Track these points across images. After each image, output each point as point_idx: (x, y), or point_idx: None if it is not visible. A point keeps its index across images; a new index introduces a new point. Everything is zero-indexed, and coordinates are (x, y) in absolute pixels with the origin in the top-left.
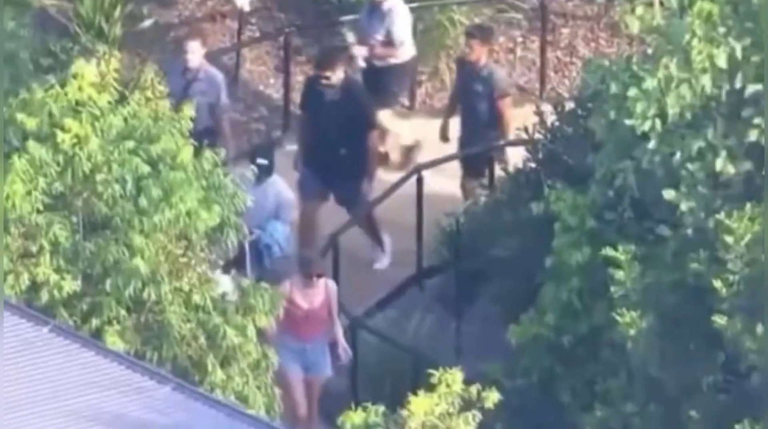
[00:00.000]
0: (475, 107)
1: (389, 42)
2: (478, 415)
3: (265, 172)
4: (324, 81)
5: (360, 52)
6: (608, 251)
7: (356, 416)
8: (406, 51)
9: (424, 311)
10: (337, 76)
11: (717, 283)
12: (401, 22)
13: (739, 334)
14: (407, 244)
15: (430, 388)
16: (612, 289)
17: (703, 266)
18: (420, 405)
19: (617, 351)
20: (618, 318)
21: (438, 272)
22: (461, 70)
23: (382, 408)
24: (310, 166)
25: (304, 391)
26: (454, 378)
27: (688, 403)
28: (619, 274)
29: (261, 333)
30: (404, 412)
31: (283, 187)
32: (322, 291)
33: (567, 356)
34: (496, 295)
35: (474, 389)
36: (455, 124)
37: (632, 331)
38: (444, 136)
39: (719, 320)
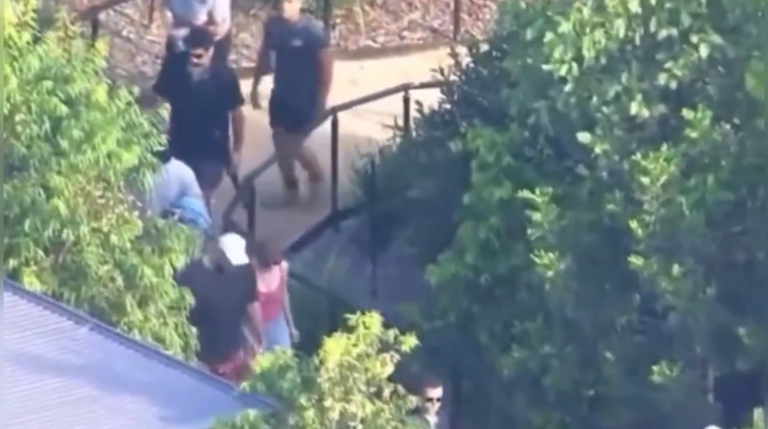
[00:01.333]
0: (291, 63)
1: (211, 21)
2: (396, 356)
3: (162, 158)
4: (195, 60)
5: (180, 33)
6: (525, 193)
7: (265, 360)
8: (226, 27)
9: (340, 253)
10: (207, 56)
11: (633, 224)
12: (223, 1)
13: (655, 274)
14: (322, 186)
15: (348, 329)
16: (529, 231)
17: (619, 207)
18: (337, 346)
19: (535, 292)
20: (535, 259)
21: (353, 214)
22: (274, 29)
23: (290, 351)
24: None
25: None
26: (372, 320)
27: (605, 344)
28: (537, 216)
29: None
30: (321, 353)
31: (180, 166)
32: (278, 273)
33: (485, 297)
34: (412, 237)
35: (392, 333)
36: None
37: (549, 273)
38: (255, 103)
39: (635, 261)
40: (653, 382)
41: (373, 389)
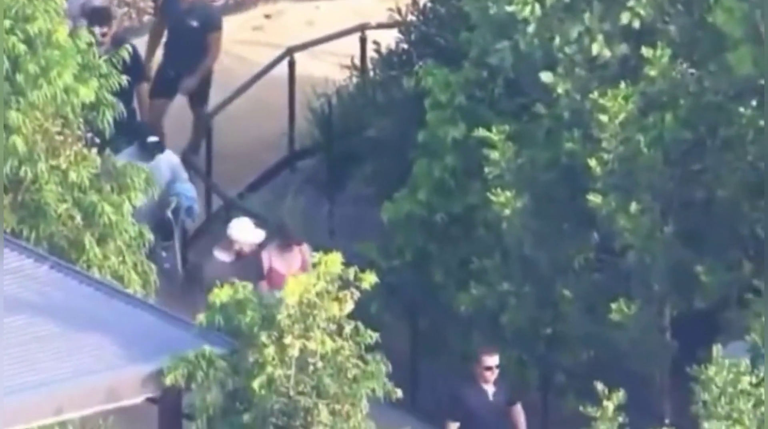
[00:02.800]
0: (184, 43)
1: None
2: (356, 294)
3: (157, 149)
4: (100, 39)
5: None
6: (482, 132)
7: (223, 293)
8: None
9: (297, 193)
10: (110, 34)
11: (591, 162)
12: None
13: (613, 212)
14: (279, 126)
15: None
16: (486, 169)
17: (578, 145)
18: (297, 284)
19: (492, 230)
20: (492, 198)
21: (310, 154)
22: (171, 8)
23: (250, 285)
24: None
25: None
26: (332, 259)
27: (562, 282)
28: (494, 154)
29: None
30: (282, 291)
31: (170, 153)
32: (299, 255)
33: (441, 235)
34: (369, 176)
35: (352, 271)
36: None
37: (506, 211)
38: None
39: (593, 199)
40: (611, 319)
41: (333, 327)
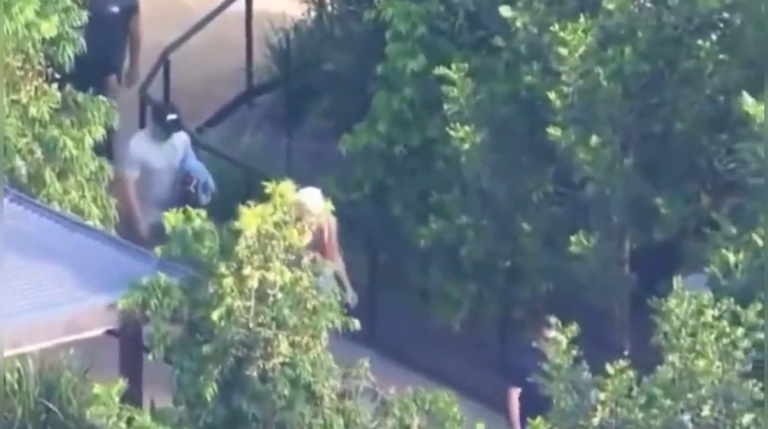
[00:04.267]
0: (105, 27)
1: None
2: (313, 224)
3: (175, 127)
4: None
5: None
6: (441, 69)
7: (173, 217)
8: None
9: (255, 129)
10: None
11: (551, 95)
12: None
13: (573, 145)
14: (237, 62)
15: (265, 199)
16: (445, 106)
17: (537, 78)
18: (254, 214)
19: (451, 163)
20: (451, 133)
21: (268, 90)
22: None
23: (204, 212)
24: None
25: None
26: (287, 189)
27: (521, 215)
28: (453, 92)
29: None
30: (239, 221)
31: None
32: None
33: (400, 168)
34: (327, 111)
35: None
36: None
37: (465, 146)
38: None
39: (553, 132)
40: (570, 252)
41: (291, 257)
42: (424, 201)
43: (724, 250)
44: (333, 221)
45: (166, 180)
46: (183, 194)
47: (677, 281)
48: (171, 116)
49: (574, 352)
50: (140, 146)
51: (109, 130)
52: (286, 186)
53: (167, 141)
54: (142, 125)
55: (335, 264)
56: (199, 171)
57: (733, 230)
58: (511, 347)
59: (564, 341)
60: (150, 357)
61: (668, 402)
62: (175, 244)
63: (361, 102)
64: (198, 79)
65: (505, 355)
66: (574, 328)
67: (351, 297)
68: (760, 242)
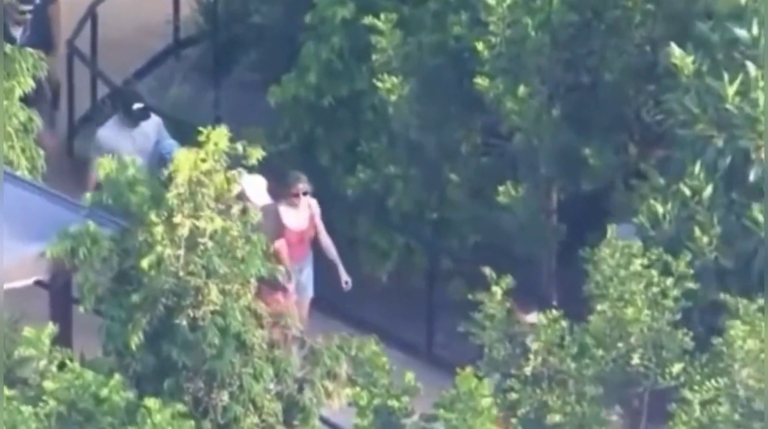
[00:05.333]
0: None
1: None
2: (244, 172)
3: (144, 116)
4: (18, 17)
5: None
6: (370, 19)
7: (107, 165)
8: None
9: (182, 81)
10: None
11: (479, 46)
12: None
13: (501, 95)
14: (164, 14)
15: (196, 146)
16: (374, 56)
17: (465, 29)
18: (185, 160)
19: (379, 114)
20: (379, 84)
21: (195, 42)
22: None
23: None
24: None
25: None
26: (220, 136)
27: (449, 166)
28: (381, 42)
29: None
30: (169, 168)
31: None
32: (306, 208)
33: (328, 119)
34: (255, 62)
35: (239, 146)
36: None
37: (393, 97)
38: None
39: (481, 82)
40: (498, 203)
41: (221, 206)
42: (352, 151)
43: (652, 201)
44: (315, 205)
45: (152, 160)
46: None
47: (611, 229)
48: (137, 105)
49: (508, 304)
50: (108, 135)
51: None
52: (220, 133)
53: (137, 128)
54: (69, 78)
55: (329, 246)
56: (174, 151)
57: (661, 181)
58: (438, 298)
59: (498, 292)
60: (81, 309)
61: (600, 352)
62: (107, 193)
63: (289, 53)
64: (125, 31)
65: (432, 306)
66: (508, 280)
67: (345, 280)
68: (687, 192)
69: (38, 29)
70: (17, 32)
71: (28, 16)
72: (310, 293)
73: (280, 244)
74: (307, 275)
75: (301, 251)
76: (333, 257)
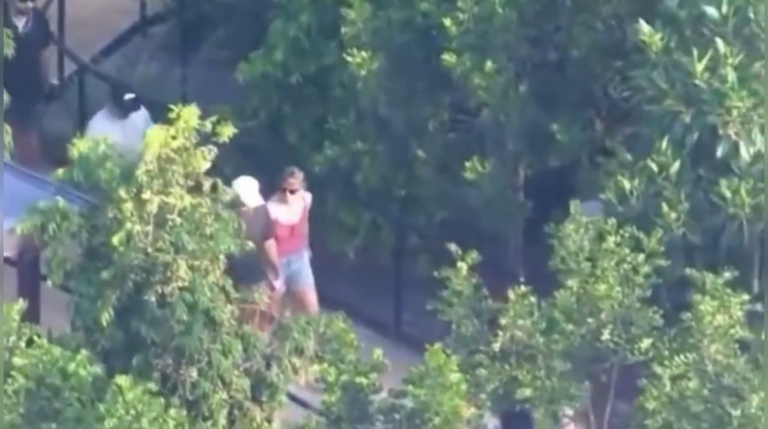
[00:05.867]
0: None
1: None
2: (214, 150)
3: (134, 106)
4: (21, 6)
5: None
6: None
7: (82, 145)
8: None
9: (149, 59)
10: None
11: (446, 22)
12: None
13: (468, 72)
14: None
15: (167, 123)
16: (343, 29)
17: (433, 5)
18: (155, 137)
19: (347, 91)
20: (348, 58)
21: (162, 20)
22: None
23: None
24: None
25: (282, 303)
26: (190, 113)
27: (417, 142)
28: (350, 14)
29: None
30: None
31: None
32: (301, 201)
33: (296, 96)
34: (222, 40)
35: (209, 123)
36: None
37: (362, 71)
38: None
39: (448, 58)
40: (465, 179)
41: (191, 183)
42: (320, 128)
43: (619, 177)
44: (309, 198)
45: (129, 157)
46: None
47: (574, 205)
48: (129, 95)
49: (474, 280)
50: (100, 125)
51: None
52: (190, 111)
53: (128, 119)
54: None
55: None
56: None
57: (629, 157)
58: (406, 275)
59: (464, 268)
60: (49, 284)
61: (569, 327)
62: (77, 169)
63: (257, 30)
64: (93, 9)
65: (400, 283)
66: (474, 256)
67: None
68: (655, 168)
69: (39, 23)
70: (20, 22)
71: (30, 4)
72: (308, 281)
73: (270, 244)
74: (299, 266)
75: (293, 244)
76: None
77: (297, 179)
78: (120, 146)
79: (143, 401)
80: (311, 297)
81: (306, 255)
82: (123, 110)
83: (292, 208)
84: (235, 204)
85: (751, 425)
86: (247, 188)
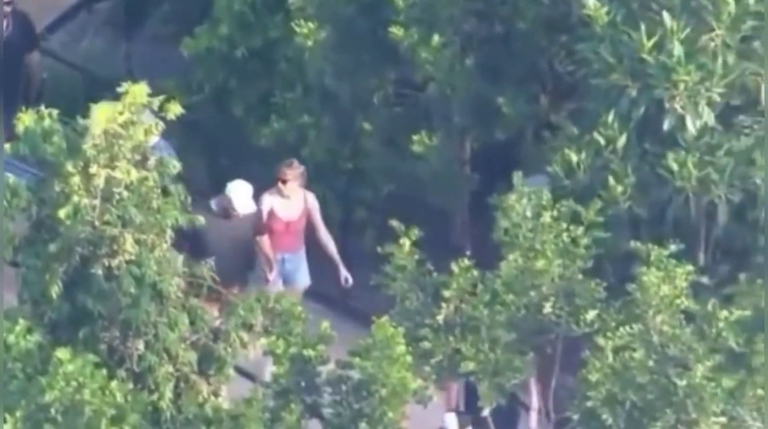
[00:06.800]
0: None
1: None
2: (161, 124)
3: None
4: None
5: None
6: None
7: (27, 118)
8: None
9: (94, 35)
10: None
11: None
12: None
13: (415, 45)
14: None
15: (114, 98)
16: (290, 0)
17: None
18: (102, 113)
19: (293, 64)
20: (296, 29)
21: None
22: None
23: (56, 110)
24: None
25: None
26: (138, 89)
27: (363, 115)
28: None
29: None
30: (87, 120)
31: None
32: (302, 200)
33: (241, 70)
34: (167, 15)
35: (156, 100)
36: None
37: (309, 43)
38: None
39: (395, 31)
40: (412, 152)
41: (138, 157)
42: (266, 102)
43: (566, 150)
44: (313, 200)
45: None
46: None
47: (518, 176)
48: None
49: (417, 256)
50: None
51: None
52: (139, 87)
53: None
54: None
55: (328, 243)
56: (160, 147)
57: (575, 130)
58: (351, 249)
59: (407, 243)
60: None
61: (510, 297)
62: (24, 144)
63: (202, 5)
64: None
65: (347, 257)
66: (417, 232)
67: (344, 276)
68: (601, 142)
69: (22, 26)
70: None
71: (7, 9)
72: (301, 283)
73: (263, 238)
74: (295, 266)
75: (288, 241)
76: (332, 254)
77: (292, 170)
78: None
79: (84, 373)
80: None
81: (302, 256)
82: None
83: (291, 203)
84: (228, 210)
85: (697, 395)
86: (239, 194)
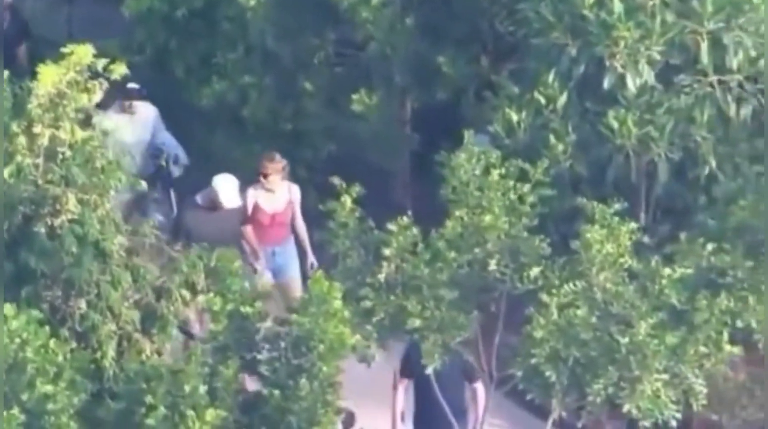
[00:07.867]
0: None
1: None
2: (105, 84)
3: (137, 94)
4: None
5: None
6: None
7: None
8: None
9: None
10: None
11: None
12: None
13: (356, 4)
14: None
15: (60, 59)
16: None
17: None
18: (47, 74)
19: (235, 24)
20: None
21: None
22: None
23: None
24: None
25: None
26: (83, 50)
27: (304, 75)
28: None
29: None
30: (33, 82)
31: (146, 105)
32: (286, 192)
33: (182, 30)
34: None
35: (101, 62)
36: None
37: (251, 3)
38: None
39: None
40: (352, 112)
41: (81, 117)
42: (207, 63)
43: (507, 109)
44: (296, 191)
45: (136, 154)
46: (154, 168)
47: (468, 135)
48: (132, 84)
49: (358, 214)
50: (109, 124)
51: None
52: (83, 48)
53: (135, 116)
54: None
55: (301, 231)
56: (170, 144)
57: (516, 90)
58: None
59: (348, 201)
60: None
61: (452, 254)
62: None
63: None
64: None
65: None
66: (357, 189)
67: (311, 262)
68: (542, 100)
69: (15, 21)
70: None
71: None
72: (294, 274)
73: (247, 228)
74: (285, 259)
75: (274, 234)
76: (303, 240)
77: (273, 164)
78: (128, 144)
79: (28, 330)
80: (296, 288)
81: (291, 248)
82: (129, 100)
83: (275, 196)
84: (215, 203)
85: (639, 352)
86: (225, 188)
